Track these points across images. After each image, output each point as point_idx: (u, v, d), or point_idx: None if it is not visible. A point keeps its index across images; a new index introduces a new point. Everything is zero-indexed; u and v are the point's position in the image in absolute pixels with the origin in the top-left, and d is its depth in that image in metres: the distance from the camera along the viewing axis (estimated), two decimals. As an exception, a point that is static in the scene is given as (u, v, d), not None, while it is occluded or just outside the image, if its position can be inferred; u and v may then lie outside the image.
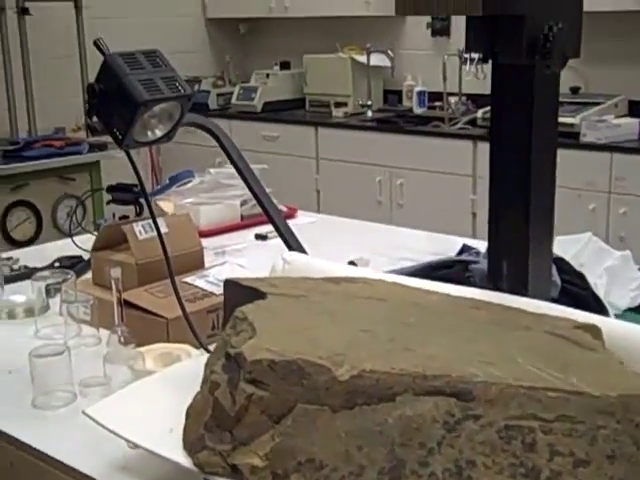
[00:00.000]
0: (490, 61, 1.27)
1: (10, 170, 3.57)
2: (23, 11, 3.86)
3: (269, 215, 1.67)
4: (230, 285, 1.36)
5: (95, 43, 1.44)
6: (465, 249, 1.72)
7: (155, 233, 1.64)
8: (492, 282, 1.33)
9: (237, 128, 4.82)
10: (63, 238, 2.33)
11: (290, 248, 1.68)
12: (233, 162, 1.69)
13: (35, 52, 3.98)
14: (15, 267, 2.15)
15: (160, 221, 1.92)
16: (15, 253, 2.28)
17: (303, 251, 1.67)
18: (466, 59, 3.86)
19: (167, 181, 2.38)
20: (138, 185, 2.19)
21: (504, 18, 1.22)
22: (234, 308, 1.17)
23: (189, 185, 2.50)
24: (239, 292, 1.32)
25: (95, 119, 1.48)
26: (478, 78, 3.56)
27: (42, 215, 3.70)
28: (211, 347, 1.51)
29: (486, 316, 1.19)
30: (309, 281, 1.35)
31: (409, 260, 1.99)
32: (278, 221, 1.68)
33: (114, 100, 1.41)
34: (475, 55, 1.27)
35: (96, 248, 1.90)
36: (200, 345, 1.50)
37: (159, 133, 1.48)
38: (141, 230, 1.86)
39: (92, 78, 3.92)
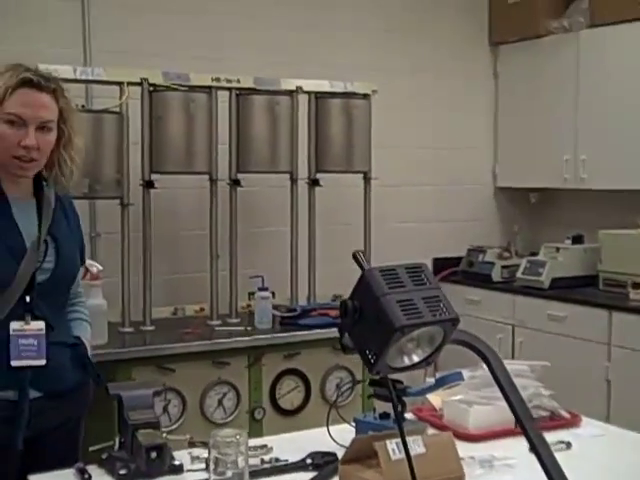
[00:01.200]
0: None
1: (285, 338, 3.58)
2: (314, 182, 3.96)
3: (539, 457, 1.39)
4: None
5: (354, 256, 1.32)
6: None
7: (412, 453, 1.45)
8: None
9: (521, 304, 4.56)
10: (328, 406, 2.20)
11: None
12: (502, 390, 1.45)
13: (320, 219, 4.06)
14: (266, 458, 2.05)
15: (417, 440, 1.73)
16: (269, 440, 2.19)
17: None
18: None
19: (433, 381, 2.16)
20: (402, 382, 2.04)
21: None
22: None
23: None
24: None
25: (347, 337, 1.34)
26: None
27: (311, 385, 3.64)
28: None
29: None
30: None
31: None
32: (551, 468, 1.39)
33: (369, 320, 1.26)
34: None
35: (346, 460, 1.75)
36: None
37: (416, 358, 1.30)
38: (394, 449, 1.68)
39: (374, 241, 3.89)
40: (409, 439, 1.70)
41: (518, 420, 1.50)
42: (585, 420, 2.34)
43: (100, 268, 3.24)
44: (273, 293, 3.76)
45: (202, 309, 3.83)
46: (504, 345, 4.55)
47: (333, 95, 3.97)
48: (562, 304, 4.35)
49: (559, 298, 4.39)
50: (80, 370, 2.24)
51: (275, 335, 3.59)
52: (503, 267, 4.80)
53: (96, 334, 3.20)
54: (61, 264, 2.17)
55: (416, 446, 1.69)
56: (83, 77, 3.43)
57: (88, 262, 3.24)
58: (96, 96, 3.75)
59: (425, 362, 1.32)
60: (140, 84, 3.50)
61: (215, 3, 4.14)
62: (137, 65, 3.61)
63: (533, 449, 1.41)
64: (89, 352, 2.32)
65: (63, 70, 3.32)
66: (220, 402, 3.42)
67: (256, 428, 3.47)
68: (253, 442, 2.09)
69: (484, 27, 5.11)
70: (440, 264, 4.91)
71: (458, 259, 4.93)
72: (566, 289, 4.47)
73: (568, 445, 2.08)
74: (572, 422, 2.30)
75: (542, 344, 4.32)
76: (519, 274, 4.66)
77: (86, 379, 2.26)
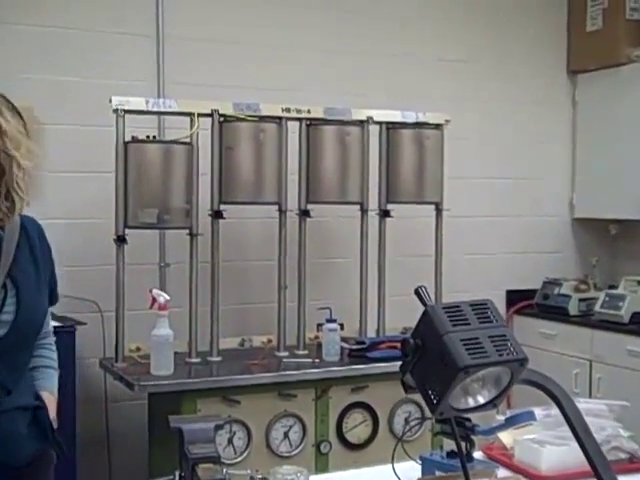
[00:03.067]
0: None
1: (353, 371, 3.52)
2: (385, 213, 3.93)
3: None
4: None
5: (416, 292, 1.26)
6: None
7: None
8: None
9: (599, 339, 4.39)
10: (396, 441, 2.13)
11: None
12: (575, 433, 1.37)
13: (390, 250, 4.00)
14: (328, 496, 2.00)
15: (485, 484, 1.64)
16: (333, 477, 2.15)
17: None
18: None
19: (503, 419, 2.07)
20: (470, 420, 1.96)
21: None
22: None
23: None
24: None
25: (408, 376, 1.28)
26: None
27: (379, 418, 3.57)
28: None
29: None
30: None
31: None
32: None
33: (431, 359, 1.20)
34: None
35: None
36: None
37: (482, 400, 1.24)
38: (461, 492, 1.59)
39: (446, 273, 3.81)
40: (476, 483, 1.62)
41: (592, 466, 1.42)
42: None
43: (167, 298, 3.24)
44: (342, 325, 3.71)
45: (270, 340, 3.78)
46: (581, 381, 4.40)
47: (404, 125, 3.93)
48: (643, 339, 4.18)
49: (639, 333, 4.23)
50: (39, 439, 1.94)
51: (343, 368, 3.53)
52: (580, 300, 4.64)
53: (162, 364, 3.24)
54: (22, 314, 1.84)
55: (484, 490, 1.60)
56: (155, 108, 3.47)
57: (155, 292, 3.26)
58: (168, 127, 3.79)
59: (491, 404, 1.25)
60: (211, 115, 3.52)
61: (286, 35, 4.15)
62: (209, 97, 3.64)
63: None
64: (52, 412, 2.00)
65: (135, 102, 3.40)
66: (286, 435, 3.37)
67: (322, 462, 3.42)
68: (316, 479, 2.04)
69: (562, 55, 5.01)
70: (514, 297, 4.81)
71: (533, 292, 4.79)
72: (648, 324, 4.30)
73: (649, 490, 1.98)
74: (651, 469, 2.17)
75: (621, 381, 4.15)
76: (597, 308, 4.50)
77: (46, 448, 1.96)
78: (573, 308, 4.62)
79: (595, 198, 4.94)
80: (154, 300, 3.20)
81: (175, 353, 3.32)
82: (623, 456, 2.20)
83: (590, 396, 4.25)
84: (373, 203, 3.90)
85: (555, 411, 2.22)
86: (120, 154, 3.39)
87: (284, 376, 3.40)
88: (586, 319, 4.56)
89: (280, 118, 3.63)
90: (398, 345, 3.60)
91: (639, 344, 4.18)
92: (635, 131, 4.62)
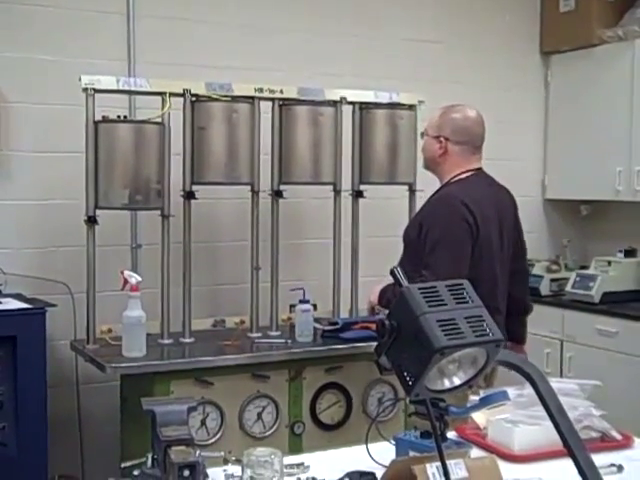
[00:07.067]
0: None
1: (326, 352, 3.51)
2: (358, 194, 3.91)
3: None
4: None
5: (392, 272, 1.25)
6: None
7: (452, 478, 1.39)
8: None
9: (570, 318, 4.44)
10: (369, 421, 2.13)
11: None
12: (550, 414, 1.38)
13: (364, 231, 4.00)
14: (303, 478, 1.99)
15: (459, 464, 1.65)
16: (307, 458, 2.12)
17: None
18: None
19: (477, 399, 2.08)
20: (444, 400, 1.97)
21: None
22: None
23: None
24: None
25: (384, 358, 1.28)
26: None
27: (353, 399, 3.57)
28: None
29: None
30: None
31: None
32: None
33: (407, 340, 1.20)
34: None
35: (383, 483, 1.67)
36: None
37: (457, 381, 1.23)
38: (435, 473, 1.60)
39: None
40: (450, 462, 1.62)
41: (567, 447, 1.43)
42: (638, 441, 2.23)
43: (139, 279, 3.21)
44: (315, 305, 3.70)
45: (242, 321, 3.76)
46: (552, 360, 4.45)
47: (378, 106, 3.90)
48: (613, 319, 4.23)
49: (610, 313, 4.28)
50: None
51: (316, 348, 3.52)
52: (552, 280, 4.69)
53: (134, 346, 3.21)
54: None
55: (458, 470, 1.61)
56: (125, 88, 3.42)
57: (127, 273, 3.23)
58: (140, 107, 3.75)
59: (467, 385, 1.24)
60: (183, 95, 3.47)
61: (259, 15, 4.12)
62: (181, 76, 3.60)
63: (583, 478, 1.34)
64: None
65: (105, 81, 3.34)
66: (259, 416, 3.36)
67: (296, 443, 3.42)
68: (290, 460, 2.03)
69: (535, 36, 5.02)
70: (486, 277, 4.83)
71: (505, 272, 4.83)
72: (617, 304, 4.35)
73: (620, 468, 1.99)
74: (624, 444, 2.20)
75: (592, 360, 4.21)
76: (568, 288, 4.55)
77: None
78: (545, 288, 4.67)
79: (567, 179, 4.98)
80: (126, 281, 3.17)
81: (147, 334, 3.29)
82: (595, 435, 2.22)
83: (561, 375, 4.31)
84: (346, 184, 3.88)
85: (528, 391, 2.24)
86: (90, 134, 3.33)
87: (257, 357, 3.39)
88: (557, 299, 4.61)
89: (253, 98, 3.59)
90: (371, 325, 3.63)
91: (609, 324, 4.24)
92: (607, 112, 4.65)
